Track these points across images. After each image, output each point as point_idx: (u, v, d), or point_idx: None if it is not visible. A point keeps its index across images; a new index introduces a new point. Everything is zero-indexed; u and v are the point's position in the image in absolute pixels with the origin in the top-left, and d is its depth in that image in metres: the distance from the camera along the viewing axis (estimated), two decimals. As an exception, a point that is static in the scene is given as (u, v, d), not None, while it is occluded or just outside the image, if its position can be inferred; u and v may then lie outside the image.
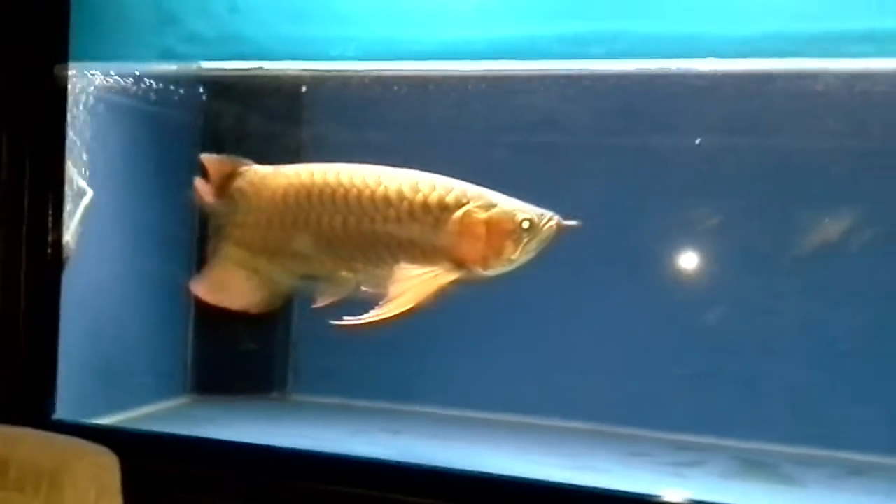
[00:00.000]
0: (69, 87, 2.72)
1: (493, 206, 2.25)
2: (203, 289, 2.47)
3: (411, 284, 2.20)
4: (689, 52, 2.38)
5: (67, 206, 2.74)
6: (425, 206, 2.25)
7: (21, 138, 2.64)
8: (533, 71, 2.52)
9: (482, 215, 2.24)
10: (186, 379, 3.42)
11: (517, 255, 2.24)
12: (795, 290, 2.96)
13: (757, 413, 2.97)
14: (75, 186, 2.80)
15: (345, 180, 2.31)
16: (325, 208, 2.31)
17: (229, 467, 2.52)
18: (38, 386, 2.69)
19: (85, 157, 2.85)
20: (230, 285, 2.42)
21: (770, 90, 2.57)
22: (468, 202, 2.25)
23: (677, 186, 3.02)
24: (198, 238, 2.88)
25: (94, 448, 2.05)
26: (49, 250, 2.69)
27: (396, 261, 2.27)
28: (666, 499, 2.23)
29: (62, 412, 2.72)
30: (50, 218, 2.68)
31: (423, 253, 2.25)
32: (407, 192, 2.27)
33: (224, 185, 2.45)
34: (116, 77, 2.93)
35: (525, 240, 2.22)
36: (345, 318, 2.17)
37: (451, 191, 2.26)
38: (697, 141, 2.97)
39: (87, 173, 2.84)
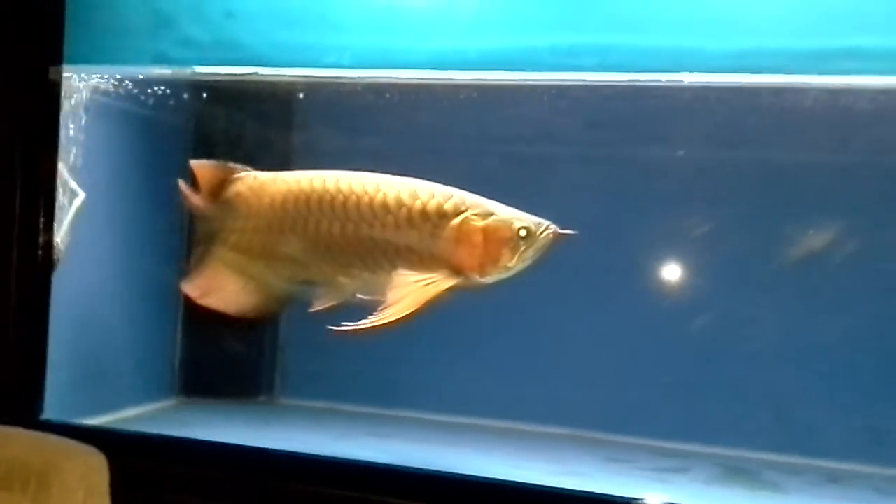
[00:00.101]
0: (63, 89, 2.72)
1: (491, 214, 2.28)
2: (195, 291, 2.47)
3: (409, 291, 2.22)
4: (679, 66, 2.42)
5: (59, 208, 2.75)
6: (424, 213, 2.27)
7: (14, 139, 2.64)
8: (525, 81, 2.55)
9: (480, 223, 2.26)
10: (174, 381, 3.42)
11: (514, 263, 2.26)
12: (778, 300, 3.00)
13: (741, 421, 3.01)
14: (67, 188, 2.81)
15: (344, 187, 2.33)
16: (325, 215, 2.33)
17: (218, 468, 2.53)
18: (26, 386, 2.69)
19: (77, 159, 2.85)
20: (223, 288, 2.43)
21: (755, 104, 2.62)
22: (466, 210, 2.27)
23: (664, 197, 3.06)
24: (188, 241, 2.88)
25: (83, 448, 2.05)
26: (40, 252, 2.69)
27: (394, 267, 2.28)
28: (648, 502, 2.27)
29: (49, 413, 2.72)
30: (41, 220, 2.68)
31: (421, 260, 2.27)
32: (406, 199, 2.29)
33: (217, 190, 2.46)
34: (110, 80, 2.93)
35: (522, 248, 2.25)
36: (343, 323, 2.18)
37: (449, 198, 2.29)
38: (680, 153, 3.01)
39: (79, 175, 2.84)
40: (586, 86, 2.54)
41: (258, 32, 2.65)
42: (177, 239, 3.09)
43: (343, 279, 2.35)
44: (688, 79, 2.46)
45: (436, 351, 3.11)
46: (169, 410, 3.31)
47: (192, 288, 2.47)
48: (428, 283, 2.23)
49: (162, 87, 3.00)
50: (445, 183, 2.35)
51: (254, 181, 2.44)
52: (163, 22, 2.68)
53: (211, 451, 2.62)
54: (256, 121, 3.18)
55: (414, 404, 3.28)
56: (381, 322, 2.18)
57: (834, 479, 2.84)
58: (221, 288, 2.43)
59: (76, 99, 2.86)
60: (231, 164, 2.49)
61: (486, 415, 3.23)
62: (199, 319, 3.16)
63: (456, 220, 2.26)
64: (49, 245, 2.71)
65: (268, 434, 3.01)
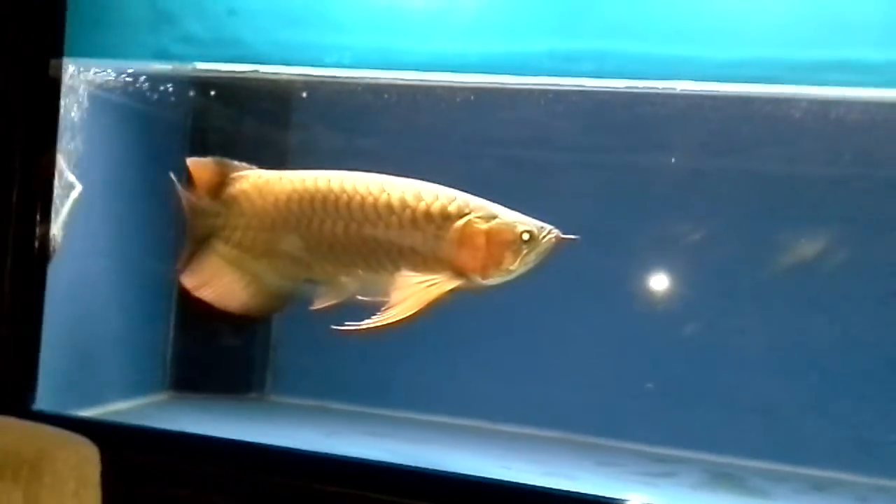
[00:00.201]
0: (63, 81, 2.72)
1: (494, 217, 2.30)
2: (192, 282, 2.47)
3: (412, 292, 2.23)
4: (674, 74, 2.45)
5: (56, 200, 2.75)
6: (428, 214, 2.29)
7: (12, 131, 2.64)
8: (523, 85, 2.57)
9: (483, 226, 2.28)
10: (165, 376, 3.42)
11: (516, 266, 2.28)
12: (769, 308, 3.03)
13: (730, 428, 3.03)
14: (65, 180, 2.82)
15: (348, 187, 2.34)
16: (329, 214, 2.34)
17: (209, 462, 2.54)
18: (19, 376, 2.69)
19: (75, 151, 2.86)
20: (222, 283, 2.44)
21: (749, 113, 2.65)
22: (470, 212, 2.29)
23: (656, 204, 3.09)
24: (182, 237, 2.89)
25: (76, 439, 2.05)
26: (36, 243, 2.70)
27: (397, 268, 2.30)
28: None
29: (41, 404, 2.73)
30: (38, 212, 2.69)
31: (423, 261, 2.29)
32: (410, 200, 2.30)
33: (216, 187, 2.47)
34: (110, 74, 2.94)
35: (524, 251, 2.27)
36: (346, 323, 2.19)
37: (453, 201, 2.30)
38: (673, 159, 3.04)
39: (77, 168, 2.85)
40: (583, 91, 2.57)
41: (260, 30, 2.66)
42: (173, 235, 3.10)
43: (345, 279, 2.36)
44: (682, 86, 2.49)
45: (429, 352, 3.12)
46: (159, 405, 3.31)
47: (190, 279, 2.47)
48: (430, 285, 2.25)
49: (161, 83, 3.01)
50: (441, 185, 2.37)
51: (259, 179, 2.45)
52: (165, 17, 2.69)
53: (203, 444, 2.62)
54: (254, 119, 3.20)
55: (407, 404, 3.29)
56: (383, 322, 2.19)
57: (819, 486, 2.87)
58: (220, 282, 2.44)
59: (77, 92, 2.87)
60: (230, 161, 2.50)
61: (479, 416, 3.25)
62: (192, 315, 3.20)
63: (459, 223, 2.28)
64: (45, 237, 2.71)
65: (256, 430, 3.01)
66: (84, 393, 2.99)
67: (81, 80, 2.87)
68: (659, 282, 3.14)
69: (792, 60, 2.40)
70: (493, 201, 2.35)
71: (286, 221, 2.39)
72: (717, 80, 2.45)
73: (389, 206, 2.31)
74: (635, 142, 3.02)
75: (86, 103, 2.89)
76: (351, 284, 2.36)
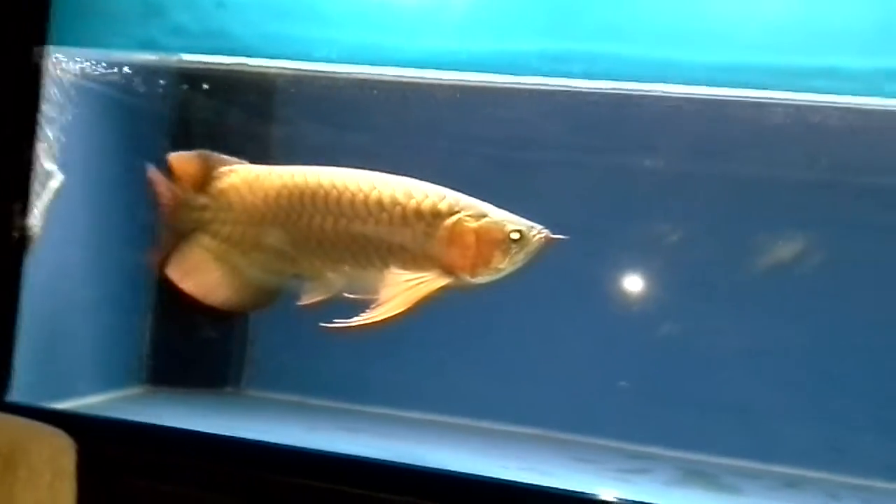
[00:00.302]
0: (47, 70, 2.70)
1: (484, 216, 2.30)
2: (177, 273, 2.45)
3: (401, 289, 2.24)
4: (663, 77, 2.48)
5: (36, 190, 2.72)
6: (418, 212, 2.30)
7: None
8: (513, 85, 2.59)
9: (473, 224, 2.29)
10: (142, 369, 3.39)
11: (505, 265, 2.29)
12: (744, 309, 3.07)
13: (705, 426, 3.07)
14: (45, 170, 2.78)
15: (338, 183, 2.34)
16: (318, 209, 2.34)
17: (185, 455, 2.52)
18: (-7, 368, 2.66)
19: (56, 141, 2.83)
20: (206, 276, 2.42)
21: (736, 117, 2.69)
22: (460, 211, 2.29)
23: (637, 205, 3.12)
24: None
25: (51, 430, 2.04)
26: (14, 234, 2.67)
27: (386, 265, 2.30)
28: (603, 497, 2.35)
29: (14, 396, 2.70)
30: (17, 202, 2.66)
31: (413, 258, 2.29)
32: (400, 197, 2.30)
33: (201, 181, 2.45)
34: (95, 63, 2.91)
35: (514, 250, 2.28)
36: (334, 320, 2.19)
37: (443, 199, 2.31)
38: (661, 162, 3.07)
39: (58, 158, 2.81)
40: (573, 91, 2.59)
41: (248, 23, 2.65)
42: (153, 228, 3.07)
43: (333, 275, 2.36)
44: (670, 89, 2.53)
45: (409, 348, 3.11)
46: (134, 398, 3.28)
47: (174, 271, 2.45)
48: (419, 283, 2.25)
49: (145, 74, 2.98)
50: (429, 183, 2.38)
51: (249, 174, 2.44)
52: (153, 8, 2.66)
53: (179, 437, 2.61)
54: (239, 111, 3.18)
55: (386, 401, 3.29)
56: (372, 320, 2.19)
57: (791, 484, 2.91)
58: (207, 277, 2.42)
59: (60, 81, 2.83)
60: (216, 154, 2.49)
61: (457, 413, 3.26)
62: (169, 308, 3.18)
63: (449, 221, 2.29)
64: (24, 228, 2.68)
65: (232, 424, 2.98)
66: (56, 385, 2.95)
67: (66, 68, 2.83)
68: (638, 282, 3.17)
69: (779, 66, 2.44)
70: (481, 199, 2.36)
71: (276, 216, 2.38)
72: (704, 84, 2.48)
73: (380, 203, 2.31)
74: (622, 143, 3.04)
75: (70, 92, 2.86)
76: (339, 281, 2.36)
